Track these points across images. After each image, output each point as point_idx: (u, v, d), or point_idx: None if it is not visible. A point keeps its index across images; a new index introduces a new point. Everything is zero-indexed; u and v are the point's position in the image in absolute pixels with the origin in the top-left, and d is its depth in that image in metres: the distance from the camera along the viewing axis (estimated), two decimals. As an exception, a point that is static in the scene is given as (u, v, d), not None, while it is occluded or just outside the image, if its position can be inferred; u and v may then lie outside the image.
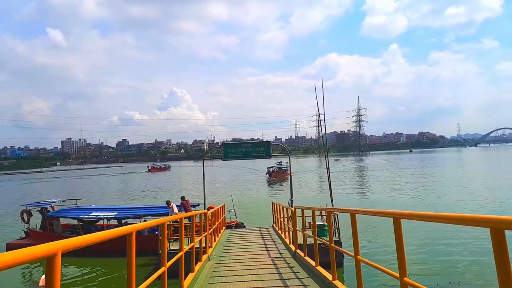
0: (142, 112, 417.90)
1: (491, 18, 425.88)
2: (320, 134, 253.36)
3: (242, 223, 17.73)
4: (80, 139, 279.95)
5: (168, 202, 15.64)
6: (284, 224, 11.64)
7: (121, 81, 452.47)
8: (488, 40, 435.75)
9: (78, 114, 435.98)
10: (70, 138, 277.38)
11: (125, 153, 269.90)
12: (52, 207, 17.78)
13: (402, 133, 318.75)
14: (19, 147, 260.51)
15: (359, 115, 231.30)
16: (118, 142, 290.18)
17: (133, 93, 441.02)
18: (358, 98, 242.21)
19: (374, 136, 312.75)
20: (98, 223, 17.46)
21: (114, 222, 17.24)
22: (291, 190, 16.19)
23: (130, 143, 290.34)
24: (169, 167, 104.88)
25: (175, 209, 14.97)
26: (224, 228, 15.00)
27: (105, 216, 16.18)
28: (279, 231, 12.66)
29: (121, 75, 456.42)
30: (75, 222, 17.18)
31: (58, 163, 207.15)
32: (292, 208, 9.56)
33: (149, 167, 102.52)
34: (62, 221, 17.29)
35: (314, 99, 15.32)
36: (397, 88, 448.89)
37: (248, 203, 30.00)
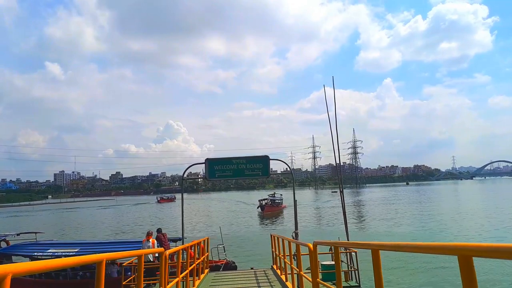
0: (138, 145, 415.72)
1: (482, 53, 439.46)
2: (316, 166, 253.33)
3: (233, 262, 14.72)
4: (73, 172, 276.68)
5: (148, 234, 12.60)
6: (292, 268, 8.16)
7: (118, 114, 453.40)
8: (480, 74, 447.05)
9: (73, 146, 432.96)
10: (63, 171, 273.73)
11: (118, 185, 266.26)
12: (6, 241, 15.79)
13: (397, 166, 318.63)
14: (10, 180, 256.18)
15: (354, 147, 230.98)
16: (111, 175, 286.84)
17: (130, 126, 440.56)
18: (354, 131, 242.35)
19: (370, 168, 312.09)
20: None
21: None
22: (295, 220, 12.97)
23: (124, 176, 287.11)
24: (175, 198, 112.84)
25: (150, 245, 12.25)
26: (207, 270, 12.18)
27: (63, 254, 13.49)
28: (282, 277, 9.40)
29: (118, 108, 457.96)
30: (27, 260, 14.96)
31: (50, 196, 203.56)
32: (310, 245, 5.98)
33: (158, 198, 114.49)
34: (16, 259, 14.61)
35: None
36: (392, 122, 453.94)
37: (242, 237, 28.19)
